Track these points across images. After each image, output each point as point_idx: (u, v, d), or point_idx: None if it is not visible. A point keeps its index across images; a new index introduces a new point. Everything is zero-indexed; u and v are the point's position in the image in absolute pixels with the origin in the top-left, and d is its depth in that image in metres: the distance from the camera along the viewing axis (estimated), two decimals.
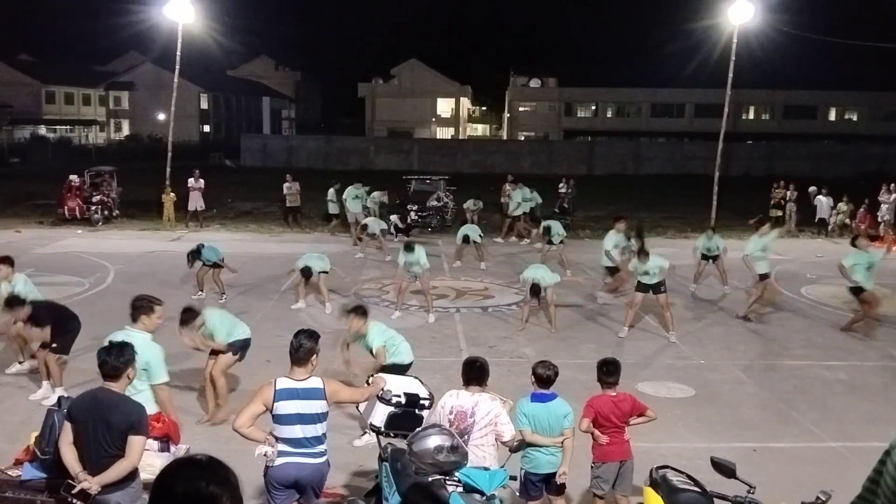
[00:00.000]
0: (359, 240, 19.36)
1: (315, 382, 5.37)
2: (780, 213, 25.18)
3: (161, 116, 59.41)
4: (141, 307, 6.35)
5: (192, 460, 2.20)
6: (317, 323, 11.47)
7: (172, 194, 23.49)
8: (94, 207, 23.43)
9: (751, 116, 67.89)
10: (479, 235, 17.93)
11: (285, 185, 24.04)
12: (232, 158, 52.25)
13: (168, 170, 24.78)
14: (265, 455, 5.25)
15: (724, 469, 4.82)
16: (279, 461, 5.28)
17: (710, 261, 15.41)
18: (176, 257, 15.50)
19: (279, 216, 25.21)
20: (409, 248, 13.09)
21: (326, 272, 13.67)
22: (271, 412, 5.29)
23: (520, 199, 21.99)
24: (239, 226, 24.18)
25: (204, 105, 71.71)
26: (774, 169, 43.97)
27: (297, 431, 5.27)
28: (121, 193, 25.42)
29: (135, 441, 4.78)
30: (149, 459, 5.66)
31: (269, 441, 5.27)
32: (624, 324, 12.44)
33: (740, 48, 24.69)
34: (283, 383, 5.31)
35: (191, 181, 23.35)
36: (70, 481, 4.70)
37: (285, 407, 5.24)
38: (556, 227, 16.97)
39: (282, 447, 5.28)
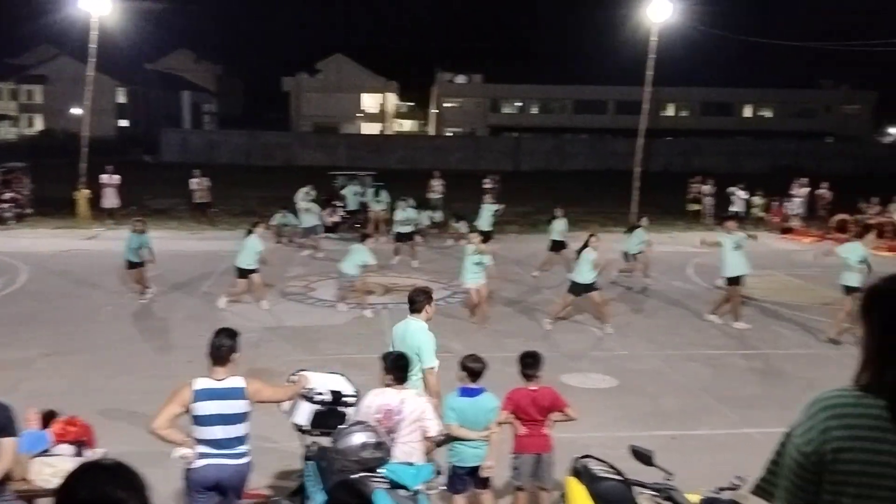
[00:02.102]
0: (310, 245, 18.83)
1: (236, 382, 5.27)
2: (697, 207, 25.91)
3: (76, 111, 57.36)
4: (422, 300, 6.85)
5: (97, 465, 2.11)
6: (241, 320, 11.26)
7: (87, 191, 22.77)
8: (5, 205, 22.56)
9: (670, 113, 69.38)
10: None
11: (193, 181, 23.48)
12: (152, 154, 50.84)
13: (83, 165, 23.95)
14: (184, 457, 5.13)
15: (642, 457, 4.92)
16: (199, 463, 5.17)
17: (633, 257, 15.75)
18: (92, 256, 15.00)
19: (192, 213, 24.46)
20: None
21: (257, 270, 13.40)
22: (190, 413, 5.17)
23: (352, 194, 22.33)
24: (158, 223, 23.51)
25: (121, 99, 69.58)
26: (693, 164, 45.24)
27: (218, 432, 5.17)
28: (33, 190, 24.46)
29: (4, 443, 4.62)
30: (62, 465, 5.47)
31: (187, 443, 5.15)
32: (550, 316, 12.60)
33: (659, 46, 25.27)
34: (202, 384, 5.20)
35: (104, 177, 22.61)
36: None
37: (205, 407, 5.13)
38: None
39: (202, 448, 5.17)
